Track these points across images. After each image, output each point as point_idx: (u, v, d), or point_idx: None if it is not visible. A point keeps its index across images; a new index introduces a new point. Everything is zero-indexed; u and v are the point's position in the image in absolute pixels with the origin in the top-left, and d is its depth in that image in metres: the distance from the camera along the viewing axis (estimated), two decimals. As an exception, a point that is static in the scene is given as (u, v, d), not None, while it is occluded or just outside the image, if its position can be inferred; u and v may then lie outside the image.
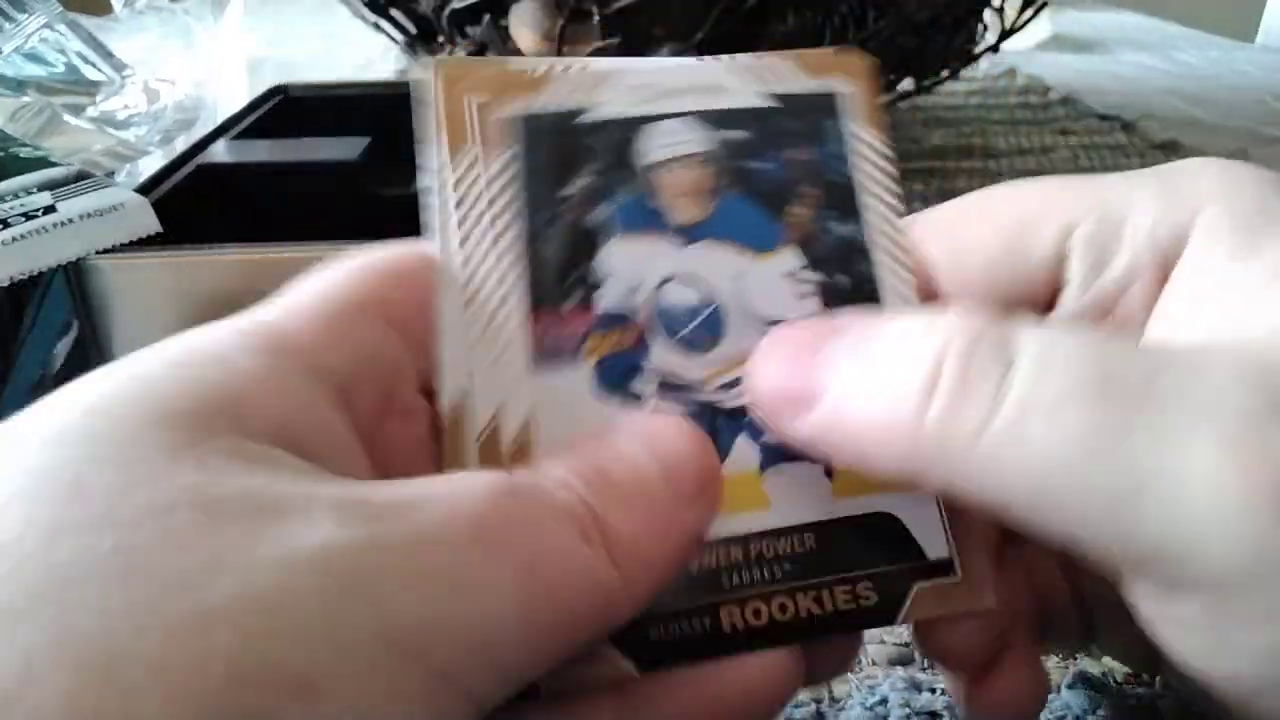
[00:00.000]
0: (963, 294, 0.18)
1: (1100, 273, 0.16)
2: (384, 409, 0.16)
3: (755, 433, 0.17)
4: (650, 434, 0.16)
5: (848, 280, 0.18)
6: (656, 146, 0.18)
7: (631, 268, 0.17)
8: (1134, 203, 0.16)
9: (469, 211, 0.16)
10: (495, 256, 0.16)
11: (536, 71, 0.18)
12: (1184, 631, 0.14)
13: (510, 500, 0.13)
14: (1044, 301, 0.17)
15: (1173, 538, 0.12)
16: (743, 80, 0.19)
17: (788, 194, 0.18)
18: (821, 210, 0.18)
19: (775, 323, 0.17)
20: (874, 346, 0.14)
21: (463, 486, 0.13)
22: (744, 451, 0.17)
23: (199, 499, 0.12)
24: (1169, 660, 0.14)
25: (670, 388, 0.17)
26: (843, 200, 0.18)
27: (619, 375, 0.16)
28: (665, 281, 0.17)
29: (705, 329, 0.17)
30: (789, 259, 0.18)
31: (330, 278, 0.16)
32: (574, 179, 0.17)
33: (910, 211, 0.19)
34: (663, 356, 0.17)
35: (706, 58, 0.19)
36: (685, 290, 0.17)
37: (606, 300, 0.17)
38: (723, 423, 0.16)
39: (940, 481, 0.14)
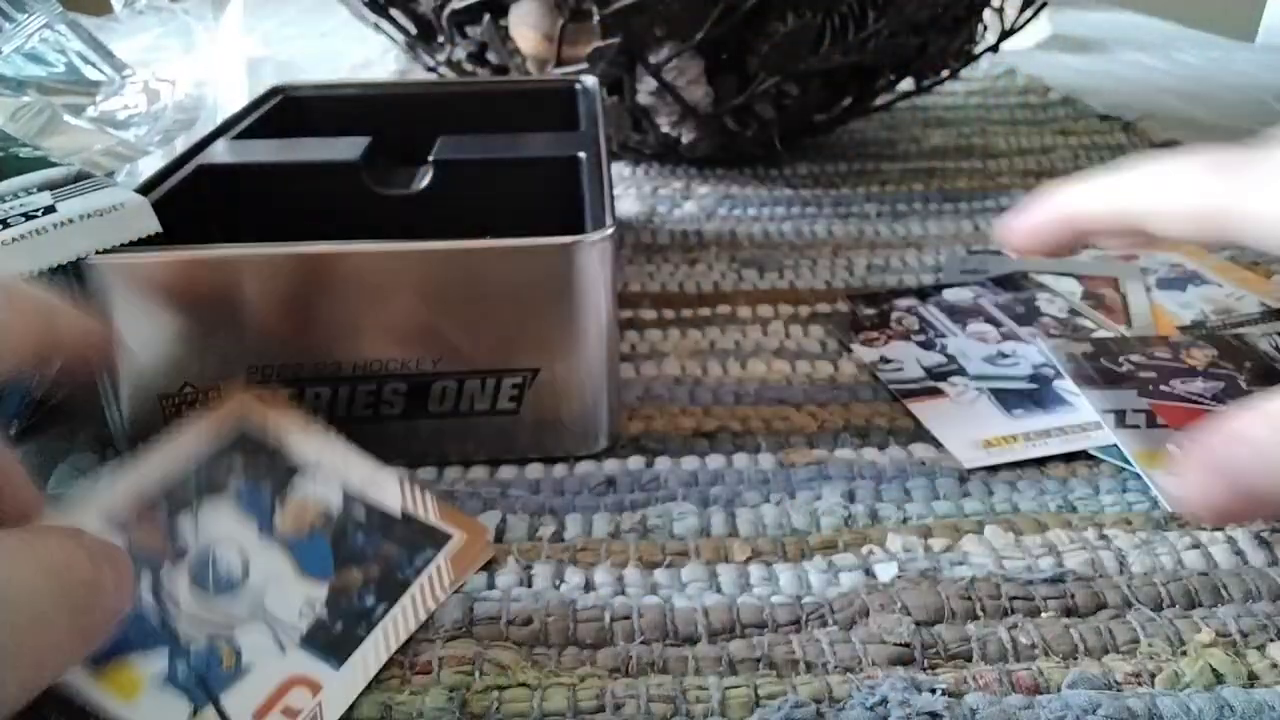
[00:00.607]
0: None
1: None
2: None
3: (179, 654, 0.22)
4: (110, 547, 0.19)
5: (338, 633, 0.23)
6: (301, 485, 0.26)
7: (210, 524, 0.24)
8: None
9: (184, 438, 0.26)
10: (167, 457, 0.25)
11: (288, 422, 0.27)
12: None
13: None
14: None
15: None
16: (401, 490, 0.27)
17: (355, 564, 0.25)
18: (366, 587, 0.24)
19: (278, 621, 0.23)
20: (1251, 461, 0.20)
21: None
22: (159, 661, 0.21)
23: None
24: None
25: (162, 583, 0.23)
26: (390, 593, 0.25)
27: (140, 561, 0.22)
28: (220, 542, 0.24)
29: (218, 583, 0.23)
30: (315, 595, 0.24)
31: None
32: (236, 468, 0.26)
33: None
34: (173, 574, 0.23)
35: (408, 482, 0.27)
36: (232, 555, 0.24)
37: (171, 522, 0.24)
38: (169, 632, 0.22)
39: None
